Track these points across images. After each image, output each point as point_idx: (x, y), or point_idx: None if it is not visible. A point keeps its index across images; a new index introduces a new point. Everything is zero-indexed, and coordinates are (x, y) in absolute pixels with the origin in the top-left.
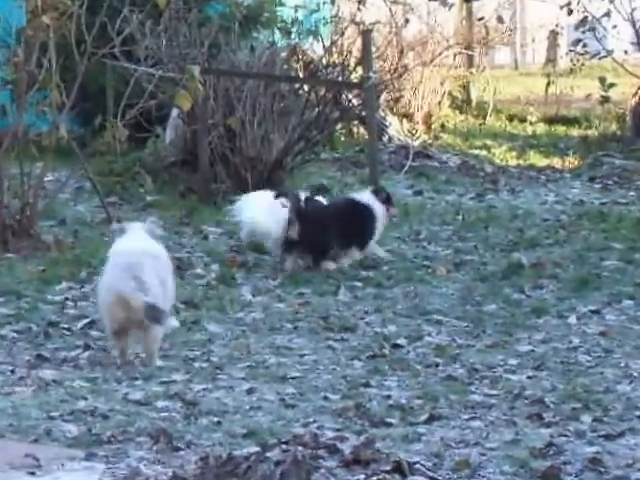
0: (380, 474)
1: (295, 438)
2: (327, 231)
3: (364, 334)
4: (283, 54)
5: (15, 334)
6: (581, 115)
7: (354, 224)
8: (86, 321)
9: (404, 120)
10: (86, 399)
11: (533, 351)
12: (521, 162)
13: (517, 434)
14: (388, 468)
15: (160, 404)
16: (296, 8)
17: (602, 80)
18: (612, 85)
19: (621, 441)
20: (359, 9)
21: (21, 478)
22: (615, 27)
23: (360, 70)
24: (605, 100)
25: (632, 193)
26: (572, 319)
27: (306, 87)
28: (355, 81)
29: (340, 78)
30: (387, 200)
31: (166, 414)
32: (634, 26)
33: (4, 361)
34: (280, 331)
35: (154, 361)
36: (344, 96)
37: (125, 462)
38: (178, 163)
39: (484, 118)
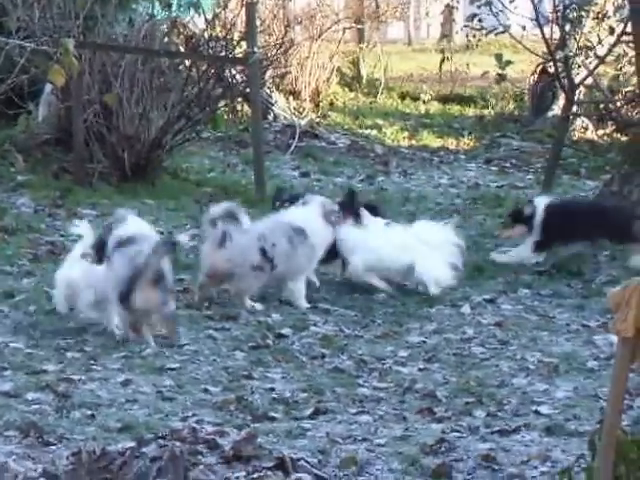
0: (262, 471)
1: (173, 433)
2: None
3: (247, 323)
4: (163, 27)
5: None
6: (477, 94)
7: None
8: None
9: (290, 98)
10: None
11: (425, 342)
12: (414, 143)
13: (407, 429)
14: (270, 465)
15: (30, 396)
16: None
17: (498, 57)
18: (509, 63)
19: (516, 437)
20: None
21: None
22: (512, 1)
23: (244, 45)
24: (502, 78)
25: (530, 176)
26: (466, 308)
27: (187, 62)
28: (239, 56)
29: (223, 53)
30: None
31: (37, 407)
32: (532, 1)
33: None
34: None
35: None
36: (227, 72)
37: None
38: (52, 141)
39: (375, 96)
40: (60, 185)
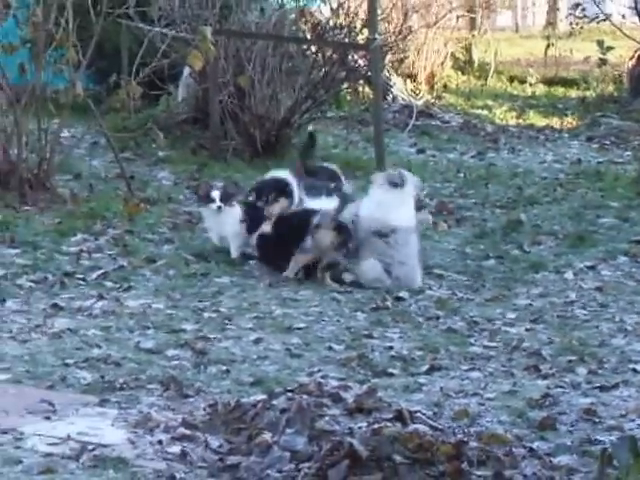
0: (382, 422)
1: (300, 387)
2: None
3: (367, 287)
4: (292, 16)
5: (32, 284)
6: (579, 77)
7: None
8: (100, 272)
9: (408, 80)
10: (99, 347)
11: (531, 305)
12: (521, 122)
13: (515, 385)
14: (390, 416)
15: (170, 353)
16: None
17: (600, 43)
18: (610, 48)
19: (615, 393)
20: None
21: (37, 422)
22: None
23: (366, 32)
24: (603, 63)
25: (628, 153)
26: (569, 274)
27: (313, 48)
28: (361, 42)
29: (346, 39)
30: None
31: (176, 362)
32: None
33: (21, 309)
34: (287, 284)
35: None
36: (350, 57)
37: (137, 408)
38: (190, 120)
39: (485, 79)
40: (197, 160)
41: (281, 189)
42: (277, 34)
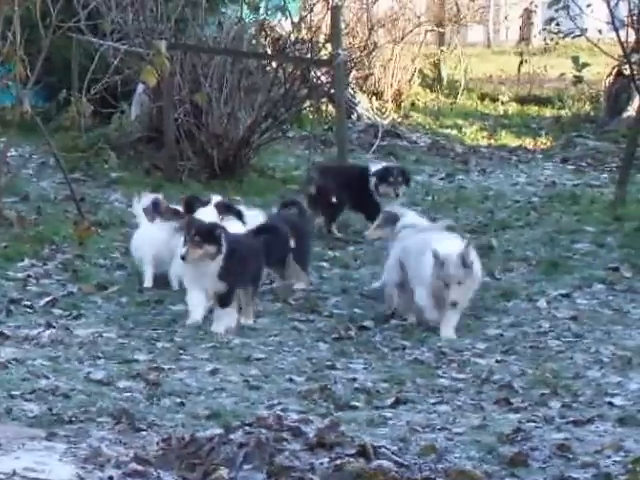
0: (344, 458)
1: (259, 420)
2: None
3: (330, 315)
4: (251, 30)
5: None
6: (554, 95)
7: None
8: (48, 299)
9: (373, 98)
10: (47, 378)
11: (502, 335)
12: (492, 142)
13: (485, 419)
14: (353, 452)
15: (122, 384)
16: None
17: (575, 60)
18: (585, 65)
19: (590, 427)
20: None
21: None
22: (589, 6)
23: (329, 47)
24: (578, 80)
25: (605, 175)
26: (542, 303)
27: (274, 64)
28: (324, 58)
29: (309, 55)
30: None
31: (128, 394)
32: (608, 5)
33: None
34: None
35: None
36: (312, 73)
37: (87, 442)
38: (143, 139)
39: (455, 97)
40: (151, 181)
41: None
42: (236, 49)
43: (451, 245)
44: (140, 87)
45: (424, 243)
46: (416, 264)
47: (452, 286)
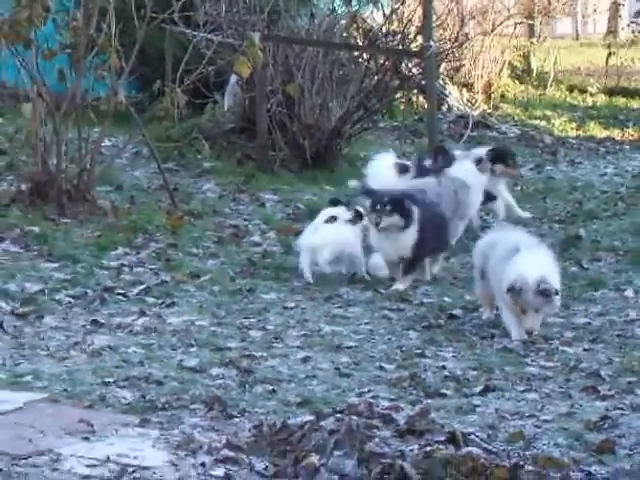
0: (434, 444)
1: (349, 407)
2: None
3: (420, 304)
4: (343, 22)
5: (71, 299)
6: None
7: None
8: (142, 287)
9: (464, 89)
10: (141, 365)
11: (589, 324)
12: (581, 133)
13: (572, 407)
14: (442, 439)
15: (215, 371)
16: None
17: None
18: None
19: None
20: None
21: (75, 443)
22: None
23: (420, 39)
24: None
25: None
26: (629, 292)
27: (365, 55)
28: (415, 50)
29: (400, 46)
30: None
31: (221, 381)
32: None
33: (59, 326)
34: (336, 300)
35: None
36: (404, 65)
37: (179, 429)
38: (236, 130)
39: (544, 88)
40: (244, 171)
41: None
42: (327, 40)
43: (531, 267)
44: (233, 78)
45: (507, 252)
46: (495, 273)
47: (529, 313)
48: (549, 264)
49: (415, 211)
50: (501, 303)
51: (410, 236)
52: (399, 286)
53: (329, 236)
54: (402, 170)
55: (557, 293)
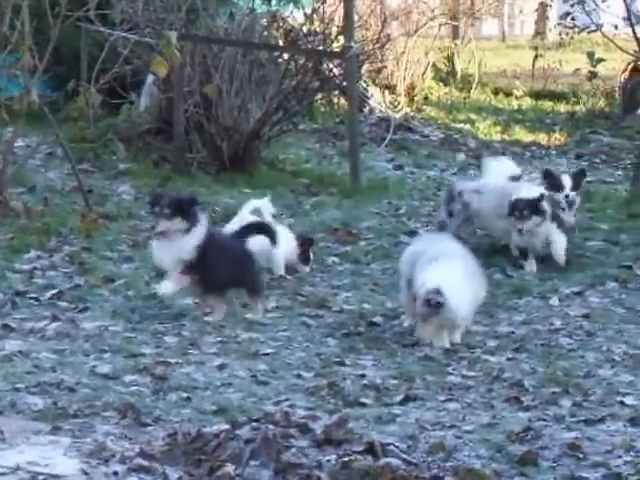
0: (352, 455)
1: (266, 416)
2: None
3: (340, 311)
4: (263, 21)
5: None
6: (569, 90)
7: None
8: (54, 291)
9: (386, 92)
10: (53, 371)
11: (513, 333)
12: (506, 137)
13: (494, 417)
14: (361, 449)
15: (128, 378)
16: None
17: (590, 55)
18: (600, 60)
19: (601, 427)
20: None
21: None
22: (605, 1)
23: (342, 39)
24: (593, 75)
25: (619, 172)
26: (554, 300)
27: (285, 56)
28: (336, 50)
29: (321, 47)
30: None
31: (134, 388)
32: (625, 0)
33: None
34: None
35: None
36: (325, 65)
37: (91, 437)
38: (152, 131)
39: (469, 91)
40: (160, 173)
41: None
42: (247, 40)
43: (430, 278)
44: (150, 78)
45: (427, 261)
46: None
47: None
48: (454, 276)
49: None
50: None
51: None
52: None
53: None
54: (514, 179)
55: (441, 305)
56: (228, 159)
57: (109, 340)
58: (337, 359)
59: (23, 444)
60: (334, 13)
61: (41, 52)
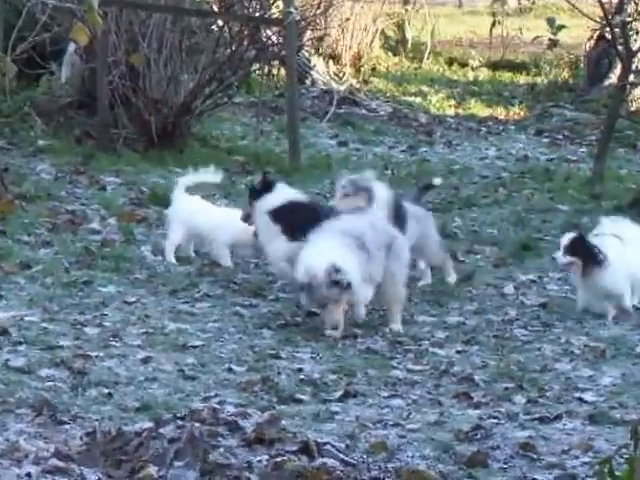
0: (285, 455)
1: (192, 413)
2: None
3: (276, 300)
4: None
5: None
6: (530, 61)
7: None
8: None
9: (330, 62)
10: None
11: (464, 323)
12: (460, 112)
13: (442, 415)
14: (294, 449)
15: (44, 372)
16: None
17: (551, 21)
18: (562, 27)
19: (557, 425)
20: None
21: None
22: None
23: (280, 4)
24: (553, 44)
25: (583, 149)
26: (509, 289)
27: (219, 22)
28: (275, 17)
29: (258, 13)
30: None
31: (51, 384)
32: None
33: None
34: (182, 295)
35: None
36: (262, 33)
37: (3, 436)
38: (74, 104)
39: (420, 61)
40: (82, 151)
41: None
42: (177, 6)
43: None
44: (71, 47)
45: None
46: None
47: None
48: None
49: None
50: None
51: None
52: None
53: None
54: None
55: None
56: (156, 135)
57: (24, 331)
58: (272, 352)
59: None
60: None
61: None
